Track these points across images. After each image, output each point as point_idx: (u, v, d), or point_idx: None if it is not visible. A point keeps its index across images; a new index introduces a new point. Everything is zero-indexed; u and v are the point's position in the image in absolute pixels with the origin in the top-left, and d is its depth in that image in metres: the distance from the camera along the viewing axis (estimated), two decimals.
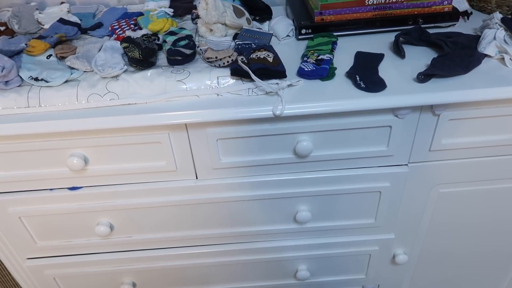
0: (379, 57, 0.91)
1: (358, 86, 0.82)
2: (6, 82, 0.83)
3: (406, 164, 0.95)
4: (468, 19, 1.04)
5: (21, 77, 0.85)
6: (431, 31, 0.96)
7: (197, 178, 0.94)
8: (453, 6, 0.99)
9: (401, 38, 0.93)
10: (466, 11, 1.03)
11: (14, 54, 0.91)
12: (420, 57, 0.90)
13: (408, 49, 0.93)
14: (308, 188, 0.96)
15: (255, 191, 0.96)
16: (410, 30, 0.95)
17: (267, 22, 1.06)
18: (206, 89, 0.82)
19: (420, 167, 0.95)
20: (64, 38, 0.97)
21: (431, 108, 0.85)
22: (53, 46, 0.93)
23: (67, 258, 1.07)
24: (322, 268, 1.15)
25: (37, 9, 1.12)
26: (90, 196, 0.95)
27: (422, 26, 0.97)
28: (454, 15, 1.00)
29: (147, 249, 1.07)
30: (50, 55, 0.91)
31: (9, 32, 1.04)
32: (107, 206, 0.96)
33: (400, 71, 0.86)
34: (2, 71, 0.81)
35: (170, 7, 1.09)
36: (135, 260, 1.08)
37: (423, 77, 0.82)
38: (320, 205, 1.00)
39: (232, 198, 0.97)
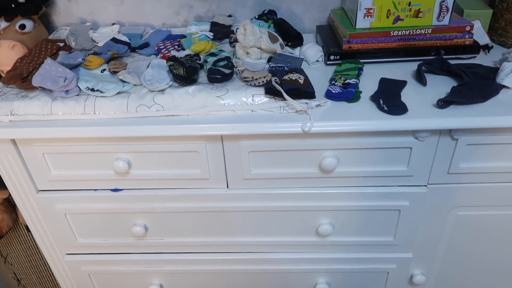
0: (402, 83, 0.98)
1: (381, 108, 0.89)
2: (67, 91, 0.93)
3: (425, 185, 1.00)
4: (488, 52, 1.10)
5: (79, 87, 0.95)
6: (452, 62, 1.02)
7: (228, 187, 1.02)
8: (474, 39, 1.05)
9: (423, 67, 1.00)
10: (487, 44, 1.09)
11: (72, 67, 1.02)
12: (440, 85, 0.96)
13: (429, 77, 0.99)
14: (331, 202, 1.02)
15: (281, 202, 1.03)
16: (432, 60, 1.02)
17: (299, 48, 1.15)
18: (242, 105, 0.91)
19: (439, 188, 1.00)
20: (116, 55, 1.08)
21: (449, 133, 0.91)
22: (107, 61, 1.04)
23: (103, 256, 1.15)
24: (341, 282, 1.19)
25: (91, 28, 1.25)
26: (130, 198, 1.04)
27: (444, 57, 1.04)
28: (475, 48, 1.06)
29: (177, 253, 1.15)
30: (104, 70, 1.02)
31: (67, 48, 1.16)
32: (144, 208, 1.05)
33: (421, 97, 0.93)
34: (64, 81, 0.92)
35: (210, 31, 1.20)
36: (165, 262, 1.15)
37: (443, 103, 0.88)
38: (341, 219, 1.06)
39: (259, 207, 1.04)
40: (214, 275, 1.18)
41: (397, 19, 1.03)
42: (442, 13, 1.02)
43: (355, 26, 1.05)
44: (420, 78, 0.98)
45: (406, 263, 1.14)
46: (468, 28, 1.04)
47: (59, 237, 1.12)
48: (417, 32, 1.04)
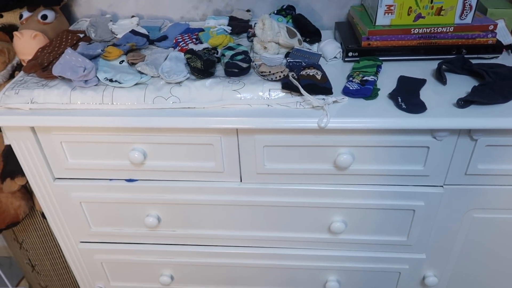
0: (421, 82, 0.96)
1: (399, 106, 0.88)
2: (86, 81, 0.95)
3: (442, 186, 0.99)
4: None
5: (98, 78, 0.96)
6: (474, 61, 1.00)
7: (241, 181, 1.02)
8: (497, 39, 1.03)
9: (443, 66, 0.98)
10: (511, 44, 1.07)
11: (91, 58, 1.03)
12: (461, 84, 0.95)
13: (450, 76, 0.97)
14: (345, 200, 1.01)
15: (294, 198, 1.02)
16: (453, 59, 1.00)
17: (317, 44, 1.14)
18: (258, 100, 0.91)
19: (455, 189, 0.99)
20: (134, 47, 1.09)
21: (469, 133, 0.89)
22: (126, 53, 1.05)
23: (116, 245, 1.17)
24: (351, 281, 1.18)
25: (111, 20, 1.26)
26: (144, 188, 1.05)
27: (465, 56, 1.02)
28: (498, 47, 1.04)
29: (188, 245, 1.15)
30: (123, 61, 1.03)
31: (87, 39, 1.18)
32: (158, 199, 1.06)
33: (441, 96, 0.91)
34: (83, 71, 0.93)
35: (228, 25, 1.20)
36: (176, 254, 1.16)
37: (463, 102, 0.87)
38: (354, 218, 1.05)
39: (272, 203, 1.03)
40: (224, 268, 1.19)
41: (418, 16, 1.02)
42: (465, 11, 1.00)
43: (375, 23, 1.04)
44: (440, 77, 0.97)
45: (419, 264, 1.12)
46: (491, 27, 1.01)
47: (73, 225, 1.14)
48: (439, 30, 1.02)
